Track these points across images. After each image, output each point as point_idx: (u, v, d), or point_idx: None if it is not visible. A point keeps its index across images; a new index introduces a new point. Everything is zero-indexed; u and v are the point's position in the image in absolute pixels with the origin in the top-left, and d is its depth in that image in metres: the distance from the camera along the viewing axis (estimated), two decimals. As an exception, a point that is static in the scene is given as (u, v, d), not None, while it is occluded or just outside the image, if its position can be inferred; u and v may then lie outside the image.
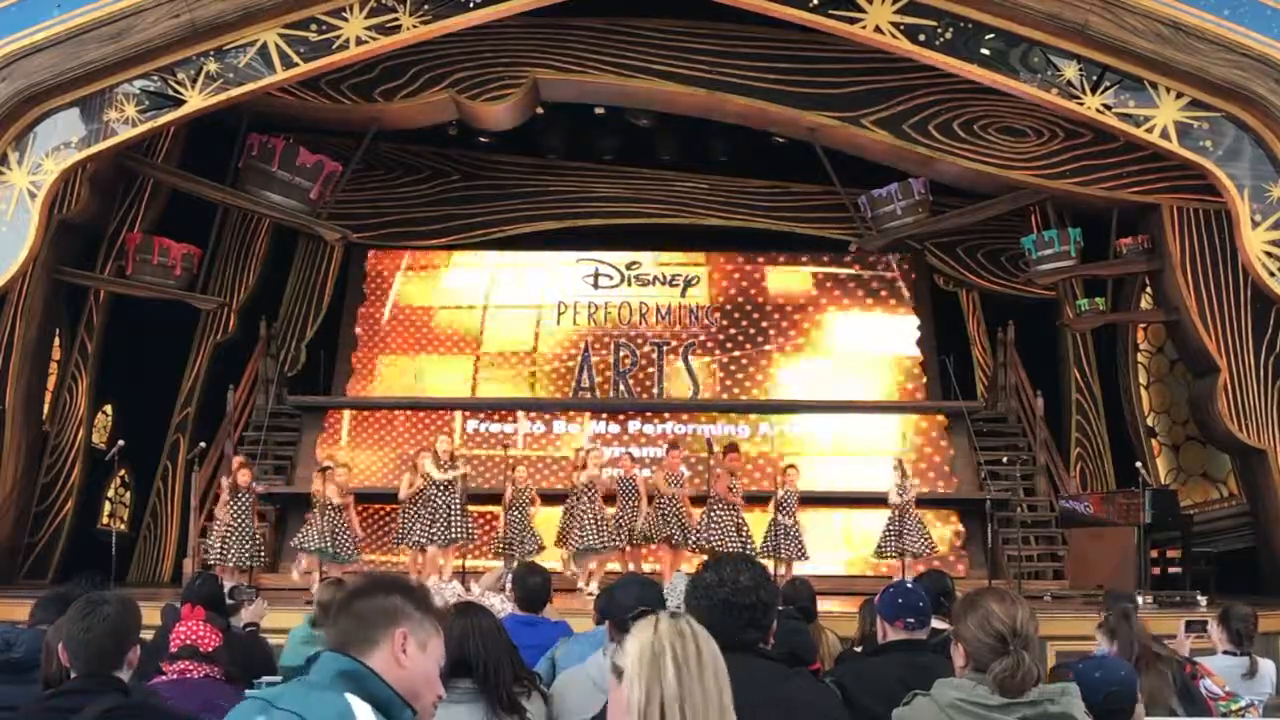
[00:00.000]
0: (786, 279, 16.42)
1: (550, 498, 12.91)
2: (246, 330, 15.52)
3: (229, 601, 6.73)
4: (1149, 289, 14.10)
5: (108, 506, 14.64)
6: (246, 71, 11.15)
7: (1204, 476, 14.66)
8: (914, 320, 16.10)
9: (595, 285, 16.34)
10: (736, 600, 2.88)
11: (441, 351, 16.09)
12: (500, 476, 12.89)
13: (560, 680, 3.98)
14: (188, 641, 4.09)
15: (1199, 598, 11.16)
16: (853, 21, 11.12)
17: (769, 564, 10.52)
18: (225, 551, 11.50)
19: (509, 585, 6.26)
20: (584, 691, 3.72)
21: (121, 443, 12.90)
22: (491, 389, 15.79)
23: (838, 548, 14.31)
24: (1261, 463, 12.53)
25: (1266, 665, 5.93)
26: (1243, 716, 4.85)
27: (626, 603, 3.87)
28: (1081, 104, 11.13)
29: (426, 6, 11.11)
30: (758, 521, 12.56)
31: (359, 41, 11.14)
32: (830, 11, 11.10)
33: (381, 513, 14.06)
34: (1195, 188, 12.24)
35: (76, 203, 12.43)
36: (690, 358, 15.90)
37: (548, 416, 15.39)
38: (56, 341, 13.71)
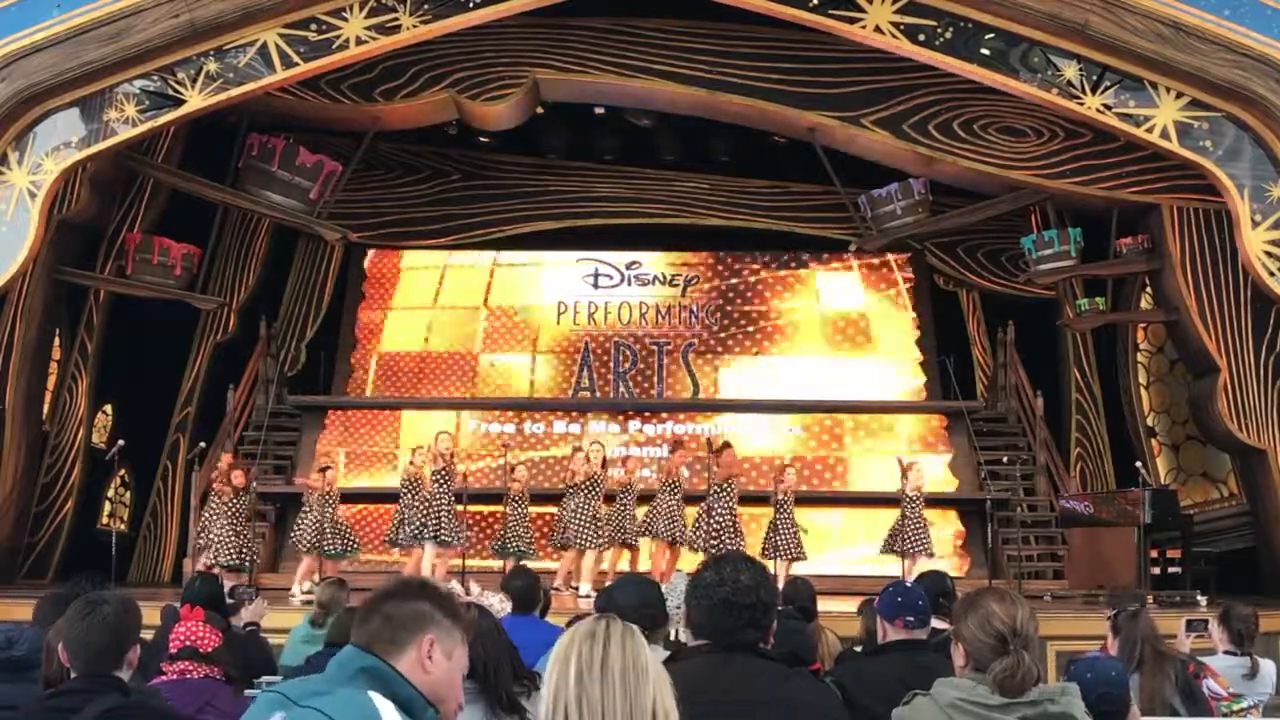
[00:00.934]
0: (786, 279, 16.43)
1: (550, 498, 12.91)
2: (246, 330, 15.52)
3: (229, 601, 6.73)
4: (1149, 289, 14.10)
5: (108, 506, 14.64)
6: (246, 71, 11.14)
7: (1204, 476, 14.66)
8: (914, 320, 16.11)
9: (595, 285, 16.34)
10: (736, 600, 2.87)
11: (441, 351, 16.09)
12: (500, 476, 12.89)
13: (560, 680, 3.97)
14: (187, 642, 4.08)
15: (1199, 598, 11.16)
16: (853, 21, 11.11)
17: (768, 564, 10.52)
18: (218, 551, 11.59)
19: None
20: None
21: (121, 443, 12.90)
22: (491, 389, 15.79)
23: (838, 548, 14.31)
24: (1261, 463, 12.53)
25: (1267, 665, 5.93)
26: (1244, 716, 4.85)
27: (626, 603, 3.86)
28: (1081, 104, 11.12)
29: (426, 6, 11.10)
30: (756, 521, 12.56)
31: (359, 41, 11.13)
32: (830, 11, 11.10)
33: (381, 513, 14.06)
34: (1195, 188, 12.23)
35: (76, 203, 12.43)
36: (690, 358, 15.90)
37: (548, 416, 15.39)
38: (56, 341, 13.71)
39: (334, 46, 11.12)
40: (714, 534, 11.70)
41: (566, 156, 16.30)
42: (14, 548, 12.97)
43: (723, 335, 16.07)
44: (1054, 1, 10.75)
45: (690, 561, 11.74)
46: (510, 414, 15.40)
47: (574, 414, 15.40)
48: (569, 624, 3.74)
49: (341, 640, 4.13)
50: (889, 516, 12.43)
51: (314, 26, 11.08)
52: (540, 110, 14.59)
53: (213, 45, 11.05)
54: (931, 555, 12.24)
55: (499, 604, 5.30)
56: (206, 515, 12.02)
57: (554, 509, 12.57)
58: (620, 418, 15.35)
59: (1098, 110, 11.14)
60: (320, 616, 6.61)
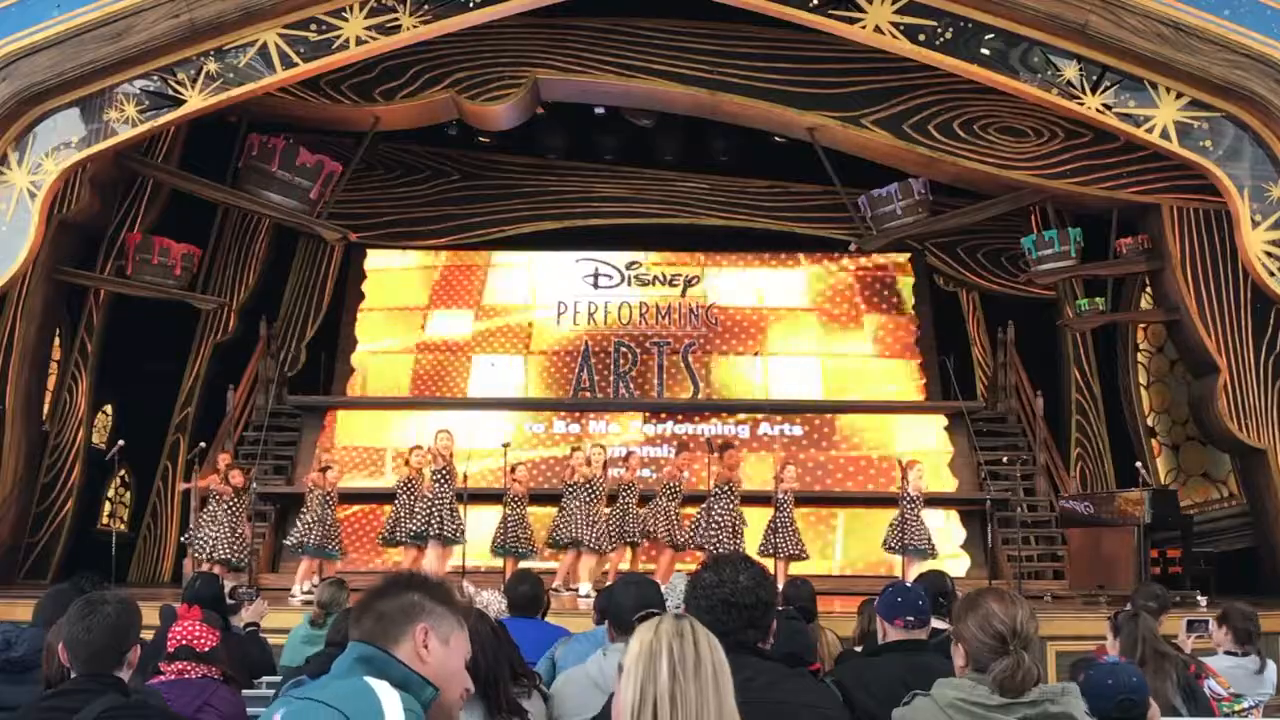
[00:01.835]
0: (786, 279, 16.42)
1: (550, 498, 12.90)
2: (246, 330, 15.52)
3: (229, 601, 6.73)
4: (1149, 289, 14.10)
5: (108, 506, 14.64)
6: (246, 71, 11.14)
7: (1204, 476, 14.65)
8: (914, 320, 16.11)
9: (595, 285, 16.34)
10: (736, 600, 2.87)
11: (440, 351, 16.08)
12: (500, 476, 12.88)
13: (560, 680, 3.97)
14: (184, 641, 4.08)
15: (1199, 598, 11.15)
16: (853, 21, 11.11)
17: (768, 563, 10.51)
18: (214, 549, 11.60)
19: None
20: (584, 691, 3.71)
21: (121, 443, 12.89)
22: (491, 389, 15.78)
23: (837, 547, 14.30)
24: (1261, 463, 12.54)
25: (1268, 665, 5.92)
26: (1245, 717, 4.84)
27: (626, 603, 3.87)
28: (1081, 104, 11.12)
29: (426, 6, 11.10)
30: (756, 521, 12.54)
31: (359, 41, 11.13)
32: (830, 11, 11.10)
33: (380, 513, 14.04)
34: (1195, 188, 12.24)
35: (76, 203, 12.43)
36: (690, 358, 15.90)
37: (548, 416, 15.39)
38: (56, 341, 13.71)
39: (334, 47, 11.12)
40: (711, 534, 11.69)
41: (566, 156, 16.30)
42: (14, 548, 12.97)
43: (723, 335, 16.06)
44: (1054, 1, 10.75)
45: (690, 562, 11.75)
46: (510, 414, 15.38)
47: (574, 414, 15.39)
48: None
49: (341, 641, 4.13)
50: (889, 517, 12.42)
51: (314, 27, 11.08)
52: (540, 110, 14.60)
53: (213, 45, 11.05)
54: (932, 556, 12.23)
55: (496, 603, 5.30)
56: (204, 516, 11.97)
57: (554, 509, 12.56)
58: (620, 418, 15.34)
59: (1098, 110, 11.13)
60: (320, 616, 6.61)
